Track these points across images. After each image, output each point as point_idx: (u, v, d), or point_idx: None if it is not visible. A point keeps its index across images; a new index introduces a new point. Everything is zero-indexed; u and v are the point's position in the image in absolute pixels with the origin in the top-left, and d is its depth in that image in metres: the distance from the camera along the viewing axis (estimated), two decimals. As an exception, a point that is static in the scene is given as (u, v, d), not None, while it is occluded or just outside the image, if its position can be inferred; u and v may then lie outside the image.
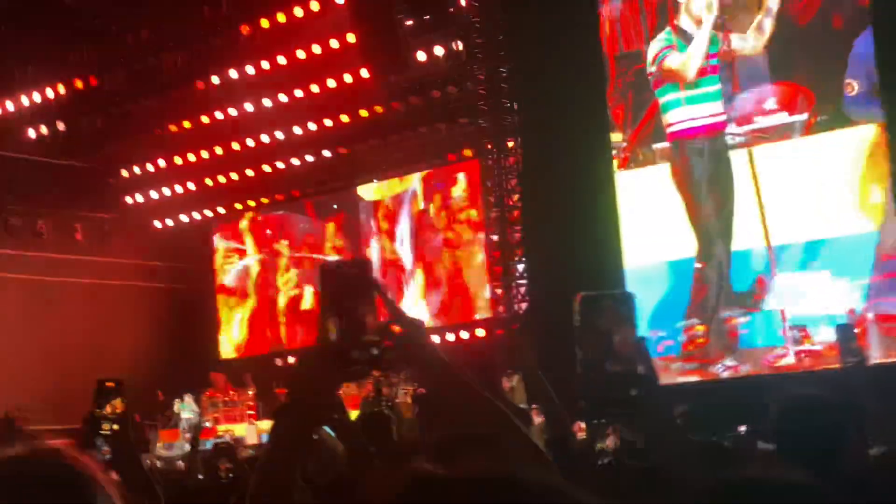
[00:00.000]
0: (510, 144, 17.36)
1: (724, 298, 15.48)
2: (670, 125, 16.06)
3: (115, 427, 4.12)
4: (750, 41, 15.46)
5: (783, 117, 15.17)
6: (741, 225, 15.36)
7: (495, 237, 17.61)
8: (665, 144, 16.15)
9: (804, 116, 15.00)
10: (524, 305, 17.14)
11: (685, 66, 15.88)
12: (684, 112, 15.92)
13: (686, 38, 15.93)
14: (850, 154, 14.60)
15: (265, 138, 19.43)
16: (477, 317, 19.02)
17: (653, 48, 16.13)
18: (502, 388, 7.60)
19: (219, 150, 19.88)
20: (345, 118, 18.65)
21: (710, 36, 15.71)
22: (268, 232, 21.31)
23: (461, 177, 19.33)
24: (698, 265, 15.86)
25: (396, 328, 2.38)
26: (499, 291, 17.60)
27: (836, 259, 14.48)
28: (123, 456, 4.27)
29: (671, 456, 2.33)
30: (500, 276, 17.56)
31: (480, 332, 18.35)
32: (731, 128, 15.60)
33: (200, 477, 6.66)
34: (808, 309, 14.55)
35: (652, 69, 16.18)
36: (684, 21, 15.95)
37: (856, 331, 5.08)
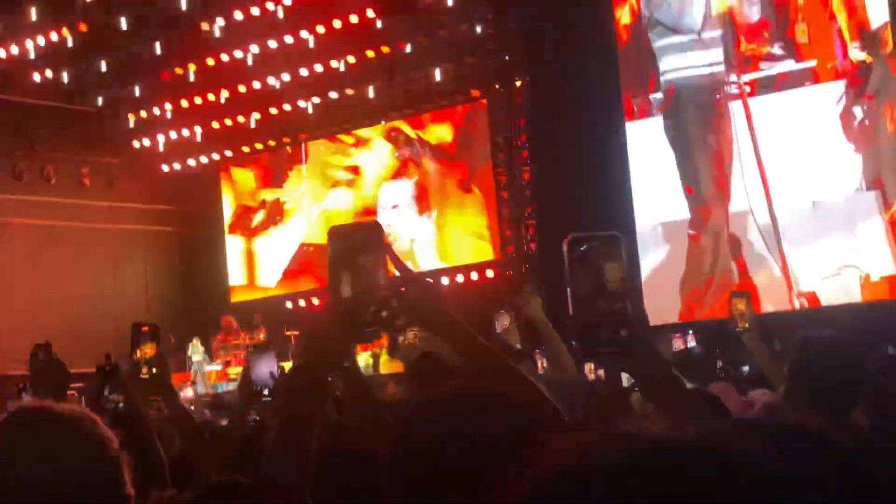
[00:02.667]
0: (518, 84, 17.26)
1: (720, 270, 15.11)
2: (665, 73, 15.66)
3: (154, 370, 4.19)
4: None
5: (789, 64, 14.67)
6: (740, 186, 14.89)
7: (503, 178, 17.57)
8: (660, 95, 15.73)
9: (812, 63, 14.52)
10: (533, 246, 17.15)
11: (683, 8, 15.43)
12: (681, 59, 15.47)
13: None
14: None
15: (272, 80, 19.30)
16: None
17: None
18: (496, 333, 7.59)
19: (225, 94, 19.77)
20: (351, 59, 18.50)
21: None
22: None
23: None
24: (691, 232, 15.45)
25: (407, 288, 2.36)
26: (508, 233, 17.59)
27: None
28: (165, 398, 4.35)
29: (662, 398, 2.33)
30: (508, 217, 17.55)
31: (490, 274, 18.33)
32: (732, 76, 15.06)
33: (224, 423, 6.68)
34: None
35: (646, 12, 15.86)
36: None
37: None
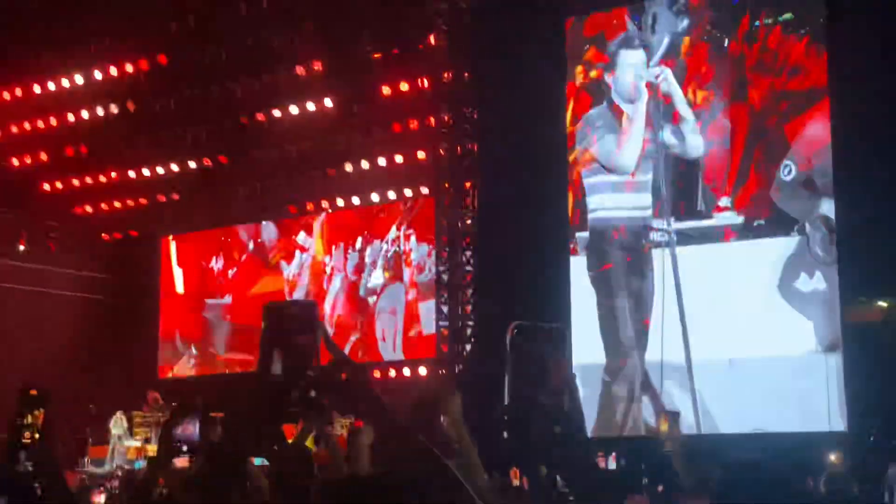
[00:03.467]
0: (467, 185, 17.35)
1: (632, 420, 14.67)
2: (593, 211, 15.53)
3: (37, 436, 4.04)
4: (681, 143, 14.89)
5: (716, 217, 14.52)
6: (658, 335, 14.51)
7: (445, 276, 17.54)
8: (585, 234, 15.61)
9: (739, 220, 14.41)
10: (468, 347, 17.09)
11: (614, 149, 15.28)
12: (609, 199, 15.36)
13: (619, 119, 15.38)
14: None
15: (223, 159, 19.40)
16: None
17: (584, 124, 15.73)
18: (440, 424, 7.54)
19: (174, 167, 19.78)
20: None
21: (643, 123, 15.02)
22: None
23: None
24: (606, 378, 15.05)
25: (338, 370, 2.32)
26: (444, 331, 17.51)
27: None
28: (44, 468, 4.18)
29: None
30: (446, 315, 17.48)
31: (422, 371, 18.26)
32: (658, 223, 14.82)
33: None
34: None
35: (579, 147, 15.77)
36: (619, 100, 15.43)
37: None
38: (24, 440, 4.05)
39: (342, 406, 2.36)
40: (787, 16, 14.58)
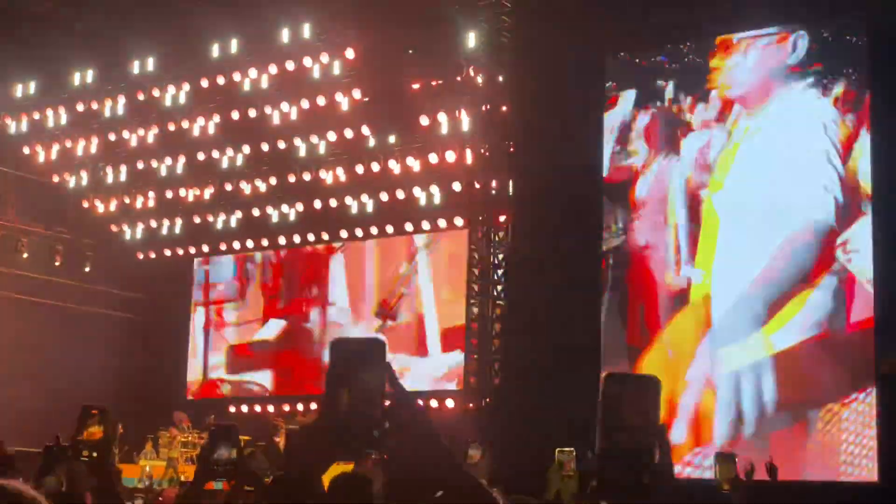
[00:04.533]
0: (502, 218, 17.38)
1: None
2: None
3: (95, 454, 4.08)
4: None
5: None
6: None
7: (476, 309, 17.54)
8: None
9: None
10: (497, 381, 17.06)
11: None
12: None
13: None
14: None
15: (260, 184, 19.53)
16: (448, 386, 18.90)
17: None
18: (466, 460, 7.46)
19: (210, 190, 19.94)
20: (340, 172, 18.77)
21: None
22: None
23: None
24: None
25: (401, 410, 2.34)
26: (472, 364, 17.47)
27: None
28: (103, 483, 4.23)
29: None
30: (475, 347, 17.47)
31: (450, 404, 18.22)
32: None
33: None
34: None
35: None
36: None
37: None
38: (83, 457, 4.10)
39: (404, 449, 2.35)
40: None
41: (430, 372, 19.23)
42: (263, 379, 20.68)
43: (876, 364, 13.72)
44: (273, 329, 20.79)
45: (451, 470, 2.34)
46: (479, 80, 17.38)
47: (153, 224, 21.14)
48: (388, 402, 2.33)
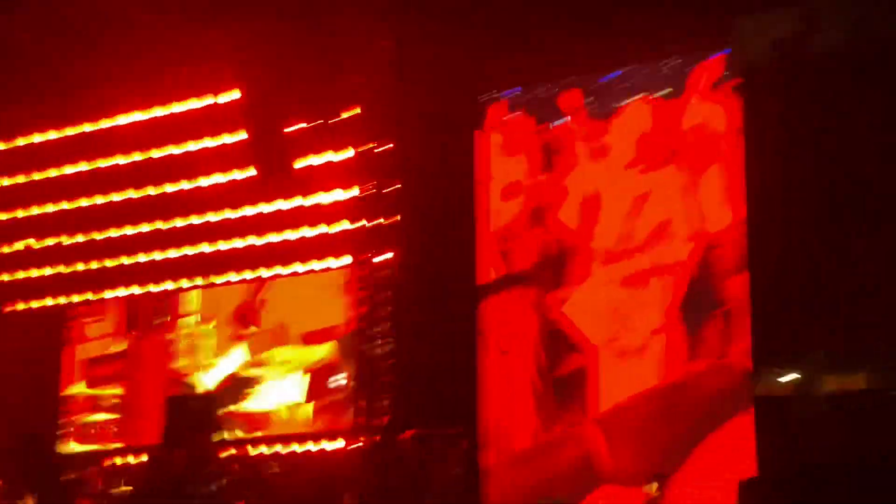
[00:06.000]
0: (388, 256, 17.41)
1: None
2: None
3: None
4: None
5: None
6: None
7: (364, 350, 17.48)
8: None
9: None
10: (385, 419, 17.02)
11: None
12: None
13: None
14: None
15: (129, 229, 19.27)
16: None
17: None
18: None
19: (80, 238, 19.60)
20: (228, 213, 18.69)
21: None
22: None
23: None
24: None
25: (238, 466, 2.34)
26: (361, 403, 17.38)
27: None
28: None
29: None
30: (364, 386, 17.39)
31: (340, 443, 18.10)
32: None
33: None
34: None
35: None
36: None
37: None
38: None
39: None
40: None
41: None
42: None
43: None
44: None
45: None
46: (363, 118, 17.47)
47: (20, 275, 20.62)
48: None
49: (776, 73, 14.16)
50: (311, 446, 17.90)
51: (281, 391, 18.80)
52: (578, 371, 15.51)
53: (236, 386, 18.88)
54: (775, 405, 13.75)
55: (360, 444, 16.93)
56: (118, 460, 19.22)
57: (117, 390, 19.90)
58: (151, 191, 18.87)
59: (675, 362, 14.77)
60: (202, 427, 2.57)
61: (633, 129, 15.64)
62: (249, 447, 16.29)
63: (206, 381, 19.18)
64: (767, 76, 14.23)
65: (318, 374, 18.76)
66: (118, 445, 19.63)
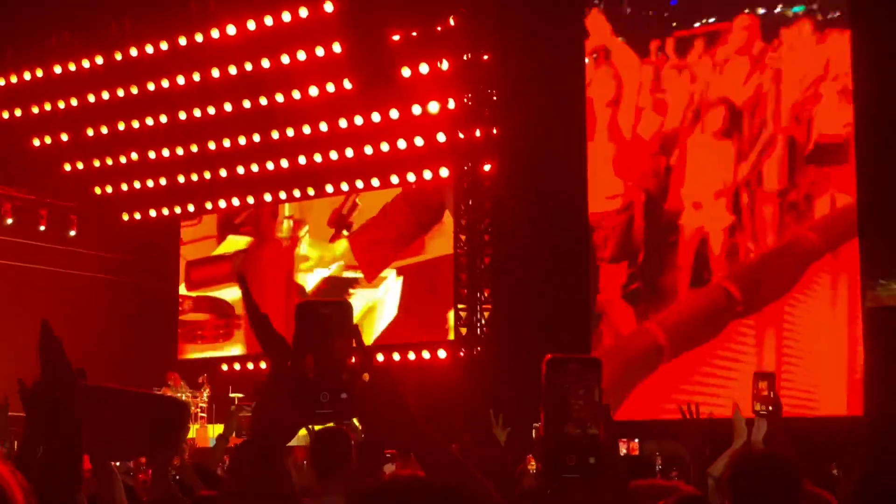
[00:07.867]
0: (487, 168, 17.30)
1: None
2: None
3: None
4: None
5: None
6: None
7: (463, 260, 17.50)
8: None
9: None
10: (486, 330, 17.08)
11: None
12: None
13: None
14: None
15: (241, 140, 19.34)
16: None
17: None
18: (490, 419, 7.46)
19: (194, 148, 19.75)
20: (323, 126, 18.61)
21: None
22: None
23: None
24: None
25: (366, 375, 2.30)
26: (462, 314, 17.44)
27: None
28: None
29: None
30: (464, 297, 17.43)
31: (442, 354, 18.23)
32: None
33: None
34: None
35: None
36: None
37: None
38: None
39: (370, 412, 2.30)
40: None
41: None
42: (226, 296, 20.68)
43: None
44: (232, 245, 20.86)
45: (416, 438, 2.31)
46: (462, 28, 17.23)
47: (136, 185, 20.99)
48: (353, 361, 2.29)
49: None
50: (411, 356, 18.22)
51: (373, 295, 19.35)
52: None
53: (335, 287, 19.48)
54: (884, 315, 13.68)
55: (462, 354, 17.10)
56: (237, 366, 19.82)
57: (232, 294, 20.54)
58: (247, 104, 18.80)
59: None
60: (335, 334, 2.57)
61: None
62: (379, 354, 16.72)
63: (308, 281, 19.88)
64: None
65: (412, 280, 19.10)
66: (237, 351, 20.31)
